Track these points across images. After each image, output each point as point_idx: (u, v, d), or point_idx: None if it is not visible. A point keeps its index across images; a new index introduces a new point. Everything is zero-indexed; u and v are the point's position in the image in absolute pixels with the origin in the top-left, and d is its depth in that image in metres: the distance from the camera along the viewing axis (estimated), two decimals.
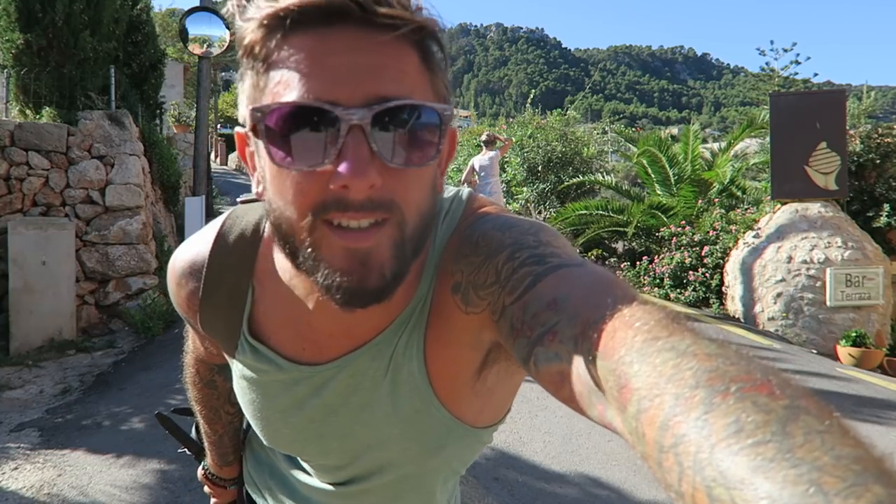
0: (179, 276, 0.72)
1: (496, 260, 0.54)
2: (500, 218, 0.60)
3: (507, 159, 10.98)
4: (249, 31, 0.50)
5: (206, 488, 1.05)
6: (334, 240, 0.50)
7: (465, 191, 0.67)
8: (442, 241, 0.62)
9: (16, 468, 2.96)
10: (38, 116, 5.98)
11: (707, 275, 7.31)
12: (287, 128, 0.48)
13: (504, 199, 9.50)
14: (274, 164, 0.50)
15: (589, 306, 0.44)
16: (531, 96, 13.80)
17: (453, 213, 0.64)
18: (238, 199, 0.74)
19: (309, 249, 0.51)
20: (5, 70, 6.25)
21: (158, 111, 9.48)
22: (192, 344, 0.90)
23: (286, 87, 0.48)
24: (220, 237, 0.69)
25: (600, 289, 0.45)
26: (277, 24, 0.48)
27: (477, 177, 7.06)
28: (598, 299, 0.44)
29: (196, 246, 0.71)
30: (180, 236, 8.10)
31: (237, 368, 0.72)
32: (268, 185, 0.52)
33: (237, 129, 0.57)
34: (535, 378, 0.48)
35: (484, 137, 7.42)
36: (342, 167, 0.47)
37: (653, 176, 9.72)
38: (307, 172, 0.48)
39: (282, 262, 0.64)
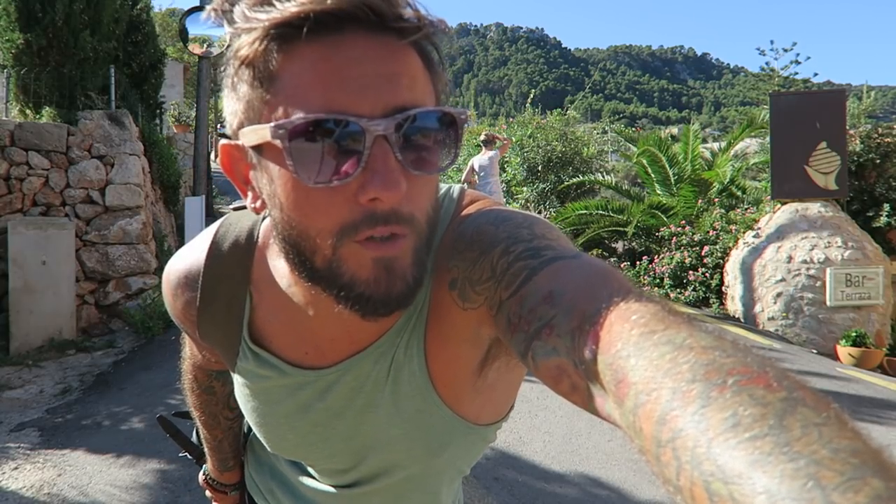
0: (175, 287, 0.71)
1: (491, 255, 0.54)
2: (494, 212, 0.60)
3: (507, 159, 10.98)
4: (250, 40, 0.47)
5: (207, 493, 1.05)
6: (363, 252, 0.49)
7: (456, 187, 0.67)
8: (437, 238, 0.62)
9: (16, 468, 2.96)
10: (38, 116, 5.98)
11: (707, 275, 7.31)
12: (309, 143, 0.46)
13: (504, 199, 9.50)
14: (295, 180, 0.48)
15: (585, 299, 0.44)
16: (531, 96, 13.80)
17: (446, 209, 0.63)
18: (230, 206, 0.73)
19: (333, 265, 0.50)
20: (5, 70, 6.24)
21: (158, 111, 9.49)
22: (190, 351, 0.90)
23: (302, 100, 0.46)
24: (214, 246, 0.68)
25: (596, 281, 0.45)
26: (287, 33, 0.46)
27: (476, 176, 7.06)
28: (594, 292, 0.44)
29: (190, 256, 0.70)
30: (180, 236, 8.10)
31: (239, 377, 0.71)
32: (283, 201, 0.50)
33: (222, 141, 0.55)
34: (533, 372, 0.48)
35: (483, 137, 7.43)
36: (373, 179, 0.46)
37: (653, 176, 9.72)
38: (333, 188, 0.47)
39: (280, 270, 0.63)
